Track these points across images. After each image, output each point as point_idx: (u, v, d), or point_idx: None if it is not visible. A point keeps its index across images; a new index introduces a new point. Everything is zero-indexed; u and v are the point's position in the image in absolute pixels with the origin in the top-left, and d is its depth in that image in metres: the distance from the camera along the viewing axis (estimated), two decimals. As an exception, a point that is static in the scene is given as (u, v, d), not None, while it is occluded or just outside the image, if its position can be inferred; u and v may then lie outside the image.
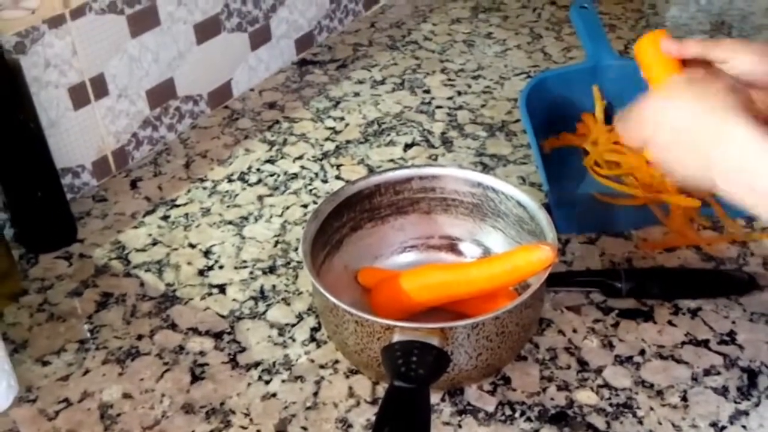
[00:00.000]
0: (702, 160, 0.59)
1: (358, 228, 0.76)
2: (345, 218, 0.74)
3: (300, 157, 0.96)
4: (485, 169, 0.92)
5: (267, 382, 0.68)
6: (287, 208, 0.88)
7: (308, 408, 0.65)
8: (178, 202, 0.90)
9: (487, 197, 0.75)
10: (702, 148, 0.59)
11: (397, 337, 0.59)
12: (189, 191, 0.91)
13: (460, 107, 1.04)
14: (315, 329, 0.72)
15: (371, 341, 0.61)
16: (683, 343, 0.69)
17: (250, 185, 0.92)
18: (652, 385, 0.66)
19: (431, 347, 0.58)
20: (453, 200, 0.76)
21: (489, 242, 0.76)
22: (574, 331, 0.71)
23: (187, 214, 0.88)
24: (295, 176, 0.93)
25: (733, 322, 0.71)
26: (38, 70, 0.82)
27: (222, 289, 0.78)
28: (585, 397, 0.65)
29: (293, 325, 0.73)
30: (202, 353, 0.71)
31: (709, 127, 0.59)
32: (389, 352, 0.59)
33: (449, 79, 1.10)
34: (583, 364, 0.68)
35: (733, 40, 0.67)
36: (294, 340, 0.72)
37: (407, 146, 0.97)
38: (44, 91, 0.83)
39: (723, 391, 0.65)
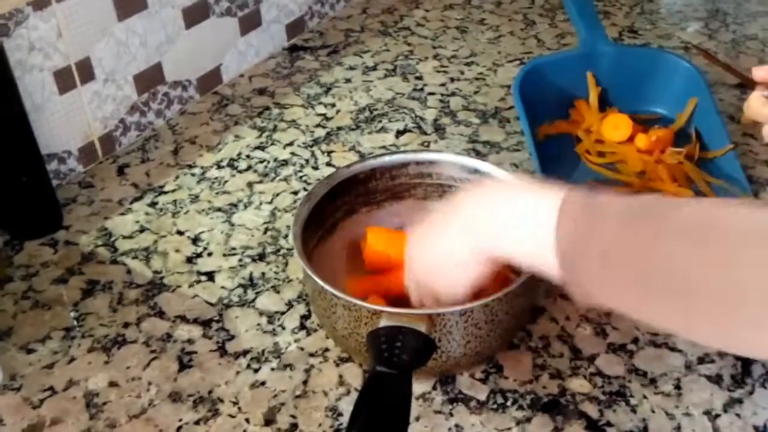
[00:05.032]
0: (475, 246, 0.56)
1: (352, 212, 0.75)
2: (339, 202, 0.73)
3: (290, 144, 0.95)
4: (478, 156, 0.91)
5: (256, 371, 0.67)
6: (277, 195, 0.87)
7: (297, 396, 0.64)
8: (166, 189, 0.88)
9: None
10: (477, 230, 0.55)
11: (384, 322, 0.58)
12: (177, 178, 0.90)
13: (453, 94, 1.03)
14: (305, 317, 0.72)
15: (359, 326, 0.60)
16: (677, 331, 0.69)
17: (240, 172, 0.90)
18: (645, 373, 0.65)
19: (417, 333, 0.58)
20: (449, 186, 0.76)
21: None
22: (567, 318, 0.70)
23: (175, 201, 0.87)
24: (285, 163, 0.91)
25: (727, 310, 0.70)
26: (22, 53, 0.80)
27: (210, 276, 0.77)
28: (578, 385, 0.64)
29: (283, 313, 0.72)
30: (190, 341, 0.70)
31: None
32: (374, 337, 0.58)
33: (442, 66, 1.09)
34: (576, 352, 0.67)
35: None
36: (283, 328, 0.71)
37: (399, 133, 0.96)
38: (29, 74, 0.81)
39: (717, 379, 0.64)
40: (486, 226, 0.54)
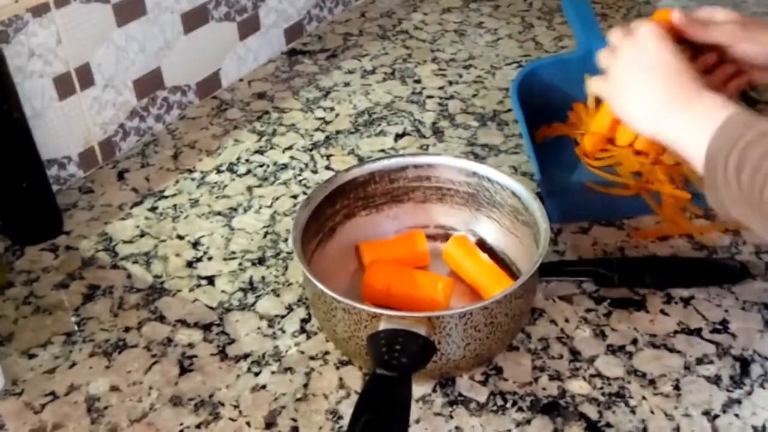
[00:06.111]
0: (655, 111, 0.63)
1: (351, 216, 0.75)
2: (338, 206, 0.74)
3: (289, 148, 0.95)
4: (477, 159, 0.91)
5: (256, 374, 0.67)
6: (277, 198, 0.87)
7: (298, 399, 0.65)
8: (166, 194, 0.89)
9: (482, 187, 0.74)
10: (663, 102, 0.63)
11: (383, 325, 0.59)
12: (177, 182, 0.90)
13: (452, 97, 1.03)
14: (305, 320, 0.72)
15: (359, 329, 0.61)
16: (676, 332, 0.69)
17: (239, 176, 0.91)
18: (644, 375, 0.65)
19: (417, 336, 0.58)
20: (448, 189, 0.76)
21: (484, 232, 0.76)
22: (567, 320, 0.71)
23: (175, 206, 0.87)
24: (284, 167, 0.92)
25: (726, 311, 0.71)
26: (22, 60, 0.80)
27: (211, 280, 0.77)
28: (577, 386, 0.65)
29: (283, 317, 0.72)
30: (190, 345, 0.70)
31: (678, 87, 0.62)
32: (374, 340, 0.58)
33: (440, 69, 1.09)
34: (575, 354, 0.67)
35: (734, 25, 0.69)
36: (284, 332, 0.71)
37: (398, 136, 0.96)
38: (28, 80, 0.82)
39: (716, 380, 0.65)
40: (668, 106, 0.62)
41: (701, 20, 0.69)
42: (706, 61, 0.70)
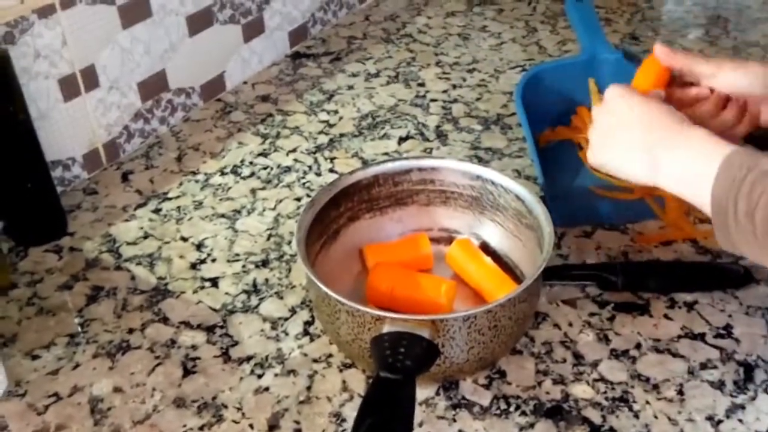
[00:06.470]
0: (648, 159, 0.62)
1: (355, 219, 0.75)
2: (342, 208, 0.74)
3: (293, 150, 0.95)
4: (480, 162, 0.91)
5: (259, 376, 0.67)
6: (280, 201, 0.87)
7: (301, 402, 0.65)
8: (170, 195, 0.89)
9: (486, 190, 0.74)
10: (651, 148, 0.62)
11: (387, 328, 0.59)
12: (181, 184, 0.90)
13: (455, 100, 1.03)
14: (308, 323, 0.72)
15: (362, 331, 0.61)
16: (679, 336, 0.69)
17: (243, 178, 0.91)
18: (648, 379, 0.65)
19: (421, 339, 0.58)
20: (452, 193, 0.76)
21: (487, 235, 0.76)
22: (570, 324, 0.70)
23: (179, 207, 0.87)
24: (288, 169, 0.92)
25: (730, 316, 0.71)
26: (27, 61, 0.81)
27: (214, 282, 0.77)
28: (580, 390, 0.65)
29: (286, 319, 0.72)
30: (194, 347, 0.70)
31: (662, 131, 0.62)
32: (378, 343, 0.58)
33: (444, 73, 1.09)
34: (578, 358, 0.67)
35: (719, 57, 0.70)
36: (287, 334, 0.71)
37: (402, 139, 0.96)
38: (34, 82, 0.82)
39: (719, 385, 0.65)
40: (656, 151, 0.62)
41: (683, 51, 0.70)
42: (699, 94, 0.70)
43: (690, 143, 0.60)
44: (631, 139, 0.64)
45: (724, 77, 0.68)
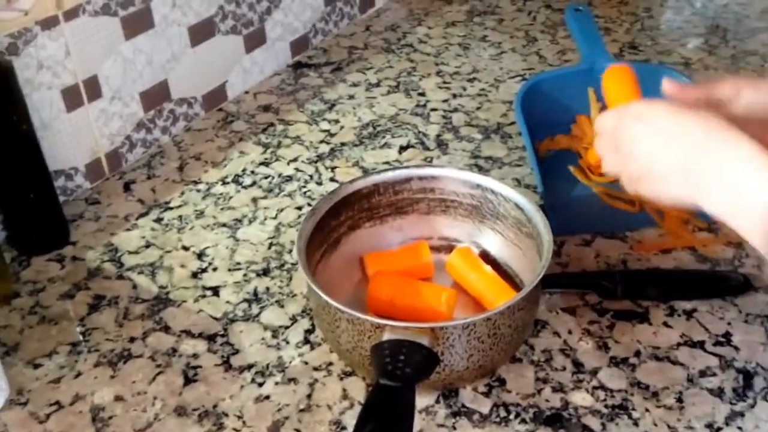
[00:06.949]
0: (687, 179, 0.56)
1: (356, 227, 0.76)
2: (343, 217, 0.74)
3: (294, 160, 0.96)
4: (481, 171, 0.91)
5: (260, 385, 0.67)
6: (281, 210, 0.88)
7: (302, 410, 0.65)
8: (171, 205, 0.89)
9: (486, 199, 0.74)
10: (688, 168, 0.56)
11: (387, 336, 0.59)
12: (183, 194, 0.91)
13: (456, 110, 1.04)
14: (309, 331, 0.72)
15: (362, 339, 0.61)
16: (678, 344, 0.69)
17: (245, 188, 0.91)
18: (647, 387, 0.65)
19: (420, 347, 0.58)
20: (452, 201, 0.76)
21: (487, 244, 0.76)
22: (570, 332, 0.71)
23: (180, 217, 0.87)
24: (289, 179, 0.92)
25: (729, 324, 0.71)
26: (31, 72, 0.81)
27: (215, 291, 0.77)
28: (580, 398, 0.65)
29: (287, 328, 0.73)
30: (195, 355, 0.70)
31: (699, 146, 0.56)
32: (378, 351, 0.58)
33: (444, 82, 1.10)
34: (578, 366, 0.67)
35: (735, 77, 0.65)
36: (287, 343, 0.71)
37: (402, 149, 0.97)
38: (37, 92, 0.83)
39: (719, 393, 0.65)
40: (694, 176, 0.56)
41: (693, 84, 0.65)
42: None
43: (737, 153, 0.54)
44: (668, 148, 0.57)
45: (745, 96, 0.63)
